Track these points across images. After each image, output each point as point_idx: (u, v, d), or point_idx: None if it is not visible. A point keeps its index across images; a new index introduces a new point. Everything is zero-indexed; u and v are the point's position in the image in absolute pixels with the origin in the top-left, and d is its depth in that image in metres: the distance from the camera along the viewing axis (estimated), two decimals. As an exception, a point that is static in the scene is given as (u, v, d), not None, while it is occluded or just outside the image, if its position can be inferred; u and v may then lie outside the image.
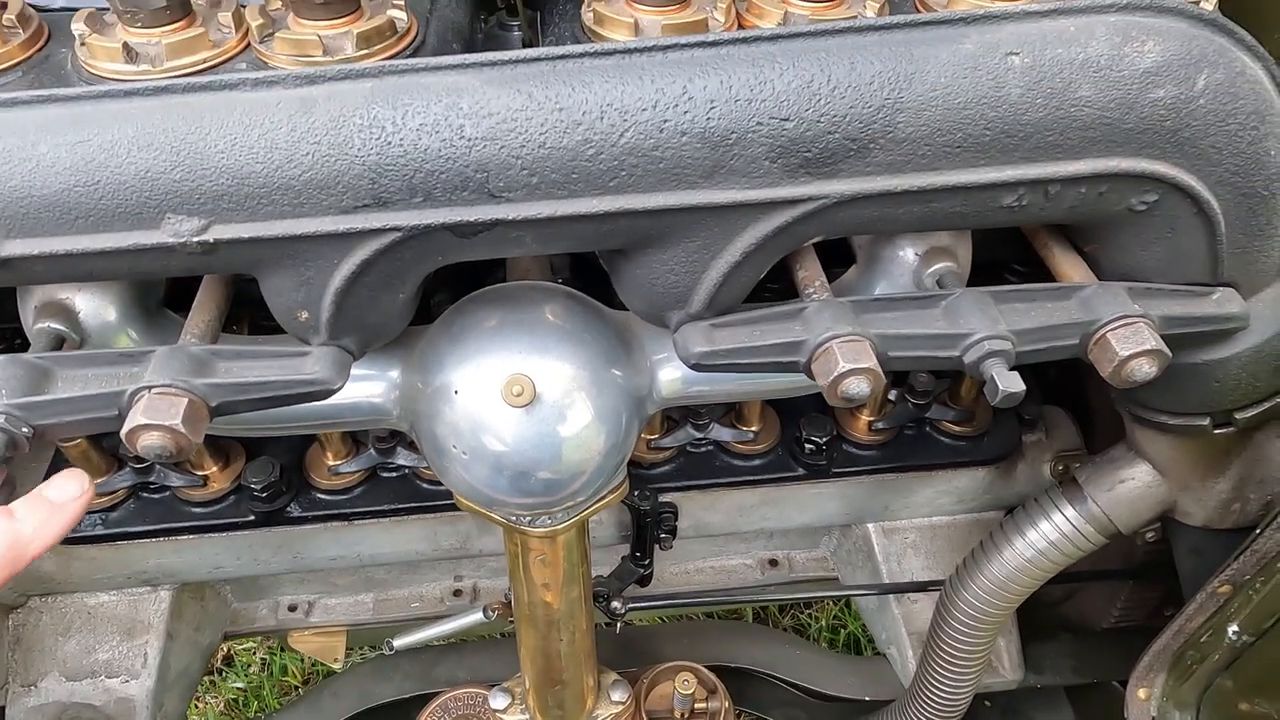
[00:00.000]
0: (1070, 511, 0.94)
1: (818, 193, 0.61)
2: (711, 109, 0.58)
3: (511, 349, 0.73)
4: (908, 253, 0.77)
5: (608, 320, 0.79)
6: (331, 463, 1.17)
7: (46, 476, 1.18)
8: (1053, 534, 0.95)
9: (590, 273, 0.85)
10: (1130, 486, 0.92)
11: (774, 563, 1.49)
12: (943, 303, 0.70)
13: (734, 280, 0.68)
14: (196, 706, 2.32)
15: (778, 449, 1.23)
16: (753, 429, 1.22)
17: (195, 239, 0.58)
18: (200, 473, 1.15)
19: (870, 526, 1.34)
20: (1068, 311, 0.70)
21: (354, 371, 0.77)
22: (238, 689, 2.36)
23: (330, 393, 0.67)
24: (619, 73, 0.58)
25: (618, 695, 1.15)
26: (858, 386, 0.64)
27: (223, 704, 2.36)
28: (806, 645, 1.43)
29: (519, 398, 0.70)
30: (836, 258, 0.83)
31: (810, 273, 0.74)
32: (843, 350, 0.65)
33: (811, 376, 0.68)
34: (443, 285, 1.01)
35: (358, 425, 0.81)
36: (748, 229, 0.63)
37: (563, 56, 0.58)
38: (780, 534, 1.46)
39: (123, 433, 0.61)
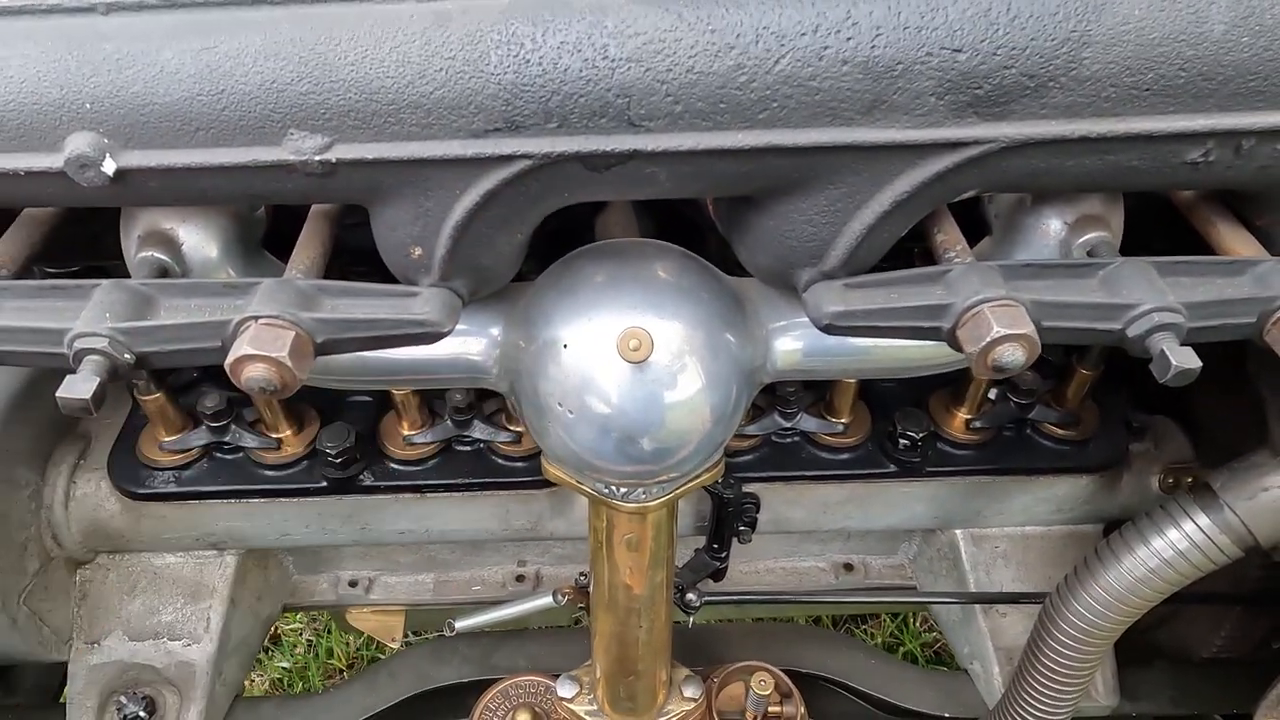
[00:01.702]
0: (1203, 520, 0.87)
1: (985, 135, 0.55)
2: (877, 36, 0.53)
3: (624, 304, 0.68)
4: (1054, 221, 0.71)
5: (723, 283, 0.75)
6: (406, 432, 1.14)
7: (122, 434, 1.18)
8: (1181, 543, 0.88)
9: (680, 241, 0.80)
10: (1275, 495, 0.84)
11: (849, 567, 1.43)
12: (1100, 271, 0.64)
13: (876, 236, 0.62)
14: (259, 695, 2.32)
15: (868, 443, 1.17)
16: (843, 420, 1.16)
17: (317, 158, 0.55)
18: (275, 435, 1.13)
19: (958, 533, 1.27)
20: (1241, 287, 0.64)
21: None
22: (283, 668, 2.35)
23: (439, 336, 0.63)
24: (777, -6, 0.53)
25: (690, 691, 1.09)
26: (1012, 354, 0.59)
27: (268, 683, 2.35)
28: (881, 655, 1.36)
29: (635, 352, 0.65)
30: (965, 229, 0.77)
31: (950, 236, 0.69)
32: (996, 315, 0.59)
33: (957, 345, 0.62)
34: (530, 254, 0.98)
35: (454, 383, 0.77)
36: (901, 175, 0.58)
37: (716, -25, 0.54)
38: (858, 537, 1.39)
39: (227, 363, 0.58)
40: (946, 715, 1.26)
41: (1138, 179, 0.59)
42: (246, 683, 2.31)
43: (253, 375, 0.57)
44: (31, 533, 1.12)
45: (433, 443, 1.14)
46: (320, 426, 1.14)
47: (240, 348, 0.57)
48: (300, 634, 2.42)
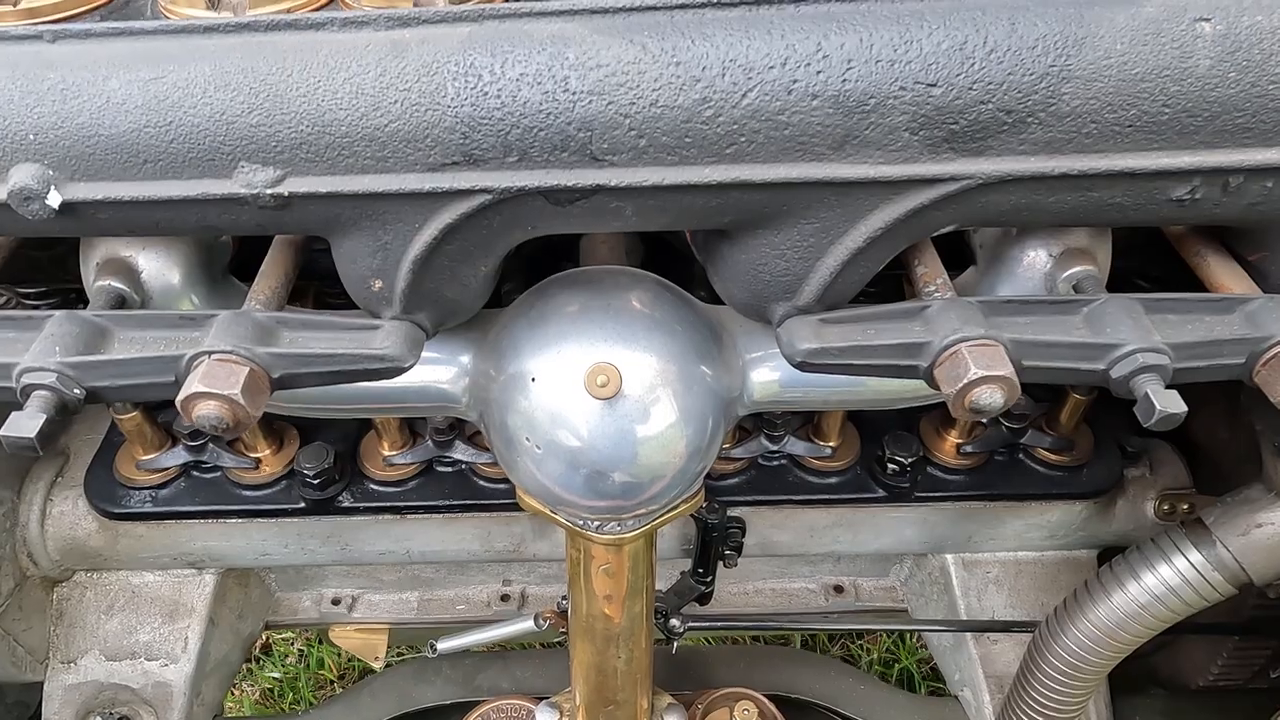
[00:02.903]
0: (1195, 556, 0.84)
1: (961, 172, 0.53)
2: (849, 70, 0.51)
3: (595, 336, 0.67)
4: (1039, 254, 0.69)
5: (699, 313, 0.73)
6: (387, 453, 1.12)
7: (100, 451, 1.16)
8: (1173, 579, 0.86)
9: (666, 266, 0.78)
10: (1269, 532, 0.82)
11: (839, 589, 1.40)
12: (1085, 309, 0.62)
13: (851, 271, 0.60)
14: (232, 694, 2.30)
15: (856, 467, 1.14)
16: (831, 444, 1.14)
17: (269, 191, 0.53)
18: (253, 455, 1.11)
19: (949, 557, 1.24)
20: (1231, 326, 0.61)
21: (423, 355, 0.72)
22: (274, 679, 2.33)
23: (400, 371, 0.61)
24: (745, 26, 0.51)
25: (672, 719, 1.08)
26: (990, 397, 0.56)
27: (258, 693, 2.33)
28: (870, 680, 1.34)
29: (603, 389, 0.63)
30: (948, 258, 0.75)
31: (931, 270, 0.67)
32: (974, 355, 0.57)
33: (934, 384, 0.60)
34: (514, 273, 0.96)
35: (423, 411, 0.76)
36: (875, 211, 0.56)
37: (681, 6, 0.52)
38: (849, 559, 1.37)
39: (178, 400, 0.56)
40: (936, 743, 1.24)
41: (1122, 215, 0.57)
42: (238, 691, 2.30)
43: (204, 413, 0.55)
44: (6, 551, 1.11)
45: (413, 464, 1.12)
46: (300, 446, 1.12)
47: (192, 384, 0.56)
48: (291, 644, 2.40)
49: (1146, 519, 1.18)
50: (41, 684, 1.18)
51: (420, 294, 0.61)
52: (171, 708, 1.17)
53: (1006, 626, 1.16)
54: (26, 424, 0.55)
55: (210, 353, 0.57)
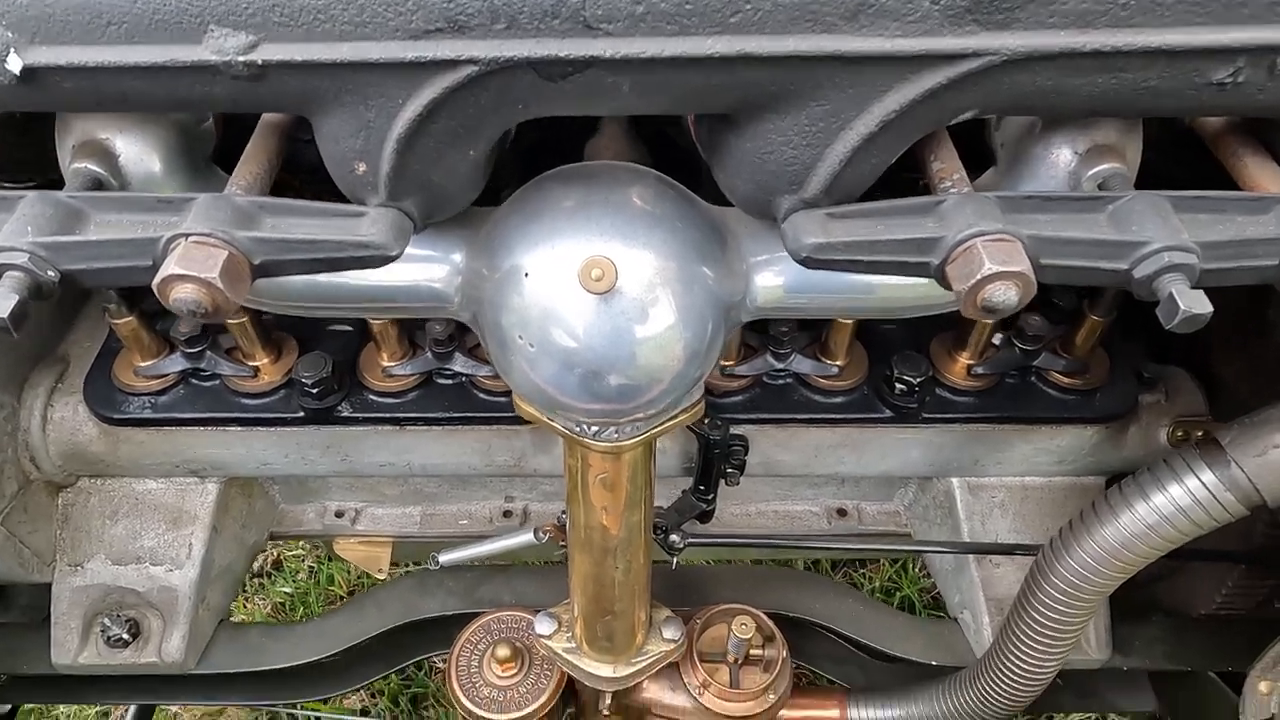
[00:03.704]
0: (1208, 476, 0.82)
1: (985, 47, 0.49)
2: (865, -73, 0.47)
3: (591, 231, 0.64)
4: (1064, 151, 0.65)
5: (702, 212, 0.69)
6: (386, 364, 1.11)
7: (98, 358, 1.16)
8: (1183, 499, 0.83)
9: (669, 172, 0.75)
10: (1286, 453, 0.79)
11: (842, 512, 1.40)
12: (1110, 206, 0.58)
13: (862, 160, 0.57)
14: (245, 607, 2.36)
15: (864, 387, 1.12)
16: (838, 363, 1.11)
17: (241, 58, 0.50)
18: (251, 363, 1.10)
19: (955, 481, 1.23)
20: (1265, 226, 0.58)
21: (413, 252, 0.69)
22: (285, 593, 2.39)
23: (386, 259, 0.59)
24: (753, -123, 0.47)
25: (670, 632, 1.08)
26: (1004, 294, 0.53)
27: (270, 607, 2.39)
28: (871, 601, 1.34)
29: (598, 282, 0.61)
30: (967, 160, 0.71)
31: (947, 165, 0.63)
32: (989, 250, 0.54)
33: (945, 282, 0.57)
34: (512, 179, 0.93)
35: (415, 312, 0.73)
36: (890, 92, 0.52)
37: None
38: (852, 482, 1.36)
39: (154, 283, 0.54)
40: (934, 663, 1.24)
41: (1156, 101, 0.53)
42: (250, 605, 2.35)
43: (181, 296, 0.53)
44: (9, 455, 1.11)
45: (412, 375, 1.10)
46: (299, 356, 1.11)
47: (169, 267, 0.53)
48: (302, 561, 2.45)
49: (1159, 446, 1.16)
50: (50, 586, 1.20)
51: (406, 179, 0.58)
52: (177, 611, 1.19)
53: (1010, 549, 1.15)
54: (-1, 304, 0.53)
55: (188, 235, 0.55)
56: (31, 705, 2.10)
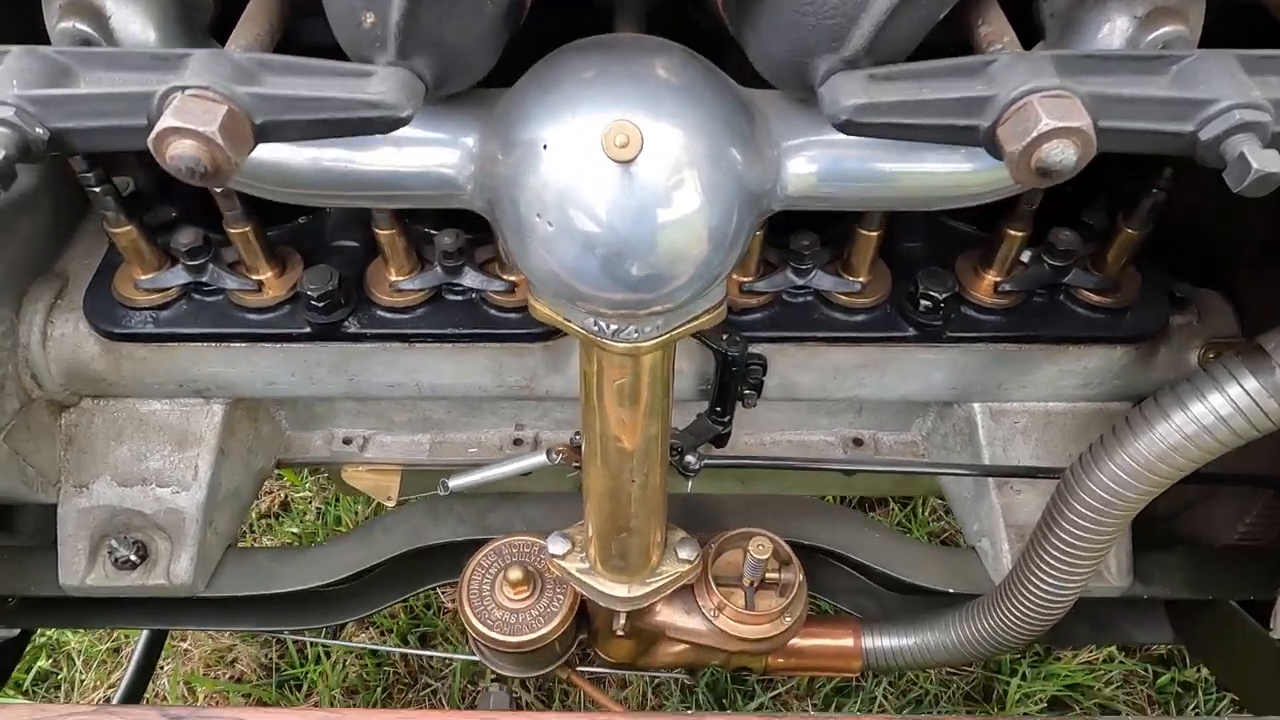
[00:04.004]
0: (1251, 383, 0.79)
1: None
2: None
3: (614, 100, 0.60)
4: (1120, 17, 0.61)
5: (732, 90, 0.65)
6: (394, 278, 1.07)
7: (98, 272, 1.12)
8: (1224, 408, 0.80)
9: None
10: (1335, 357, 0.76)
11: (859, 442, 1.37)
12: (1174, 66, 0.54)
13: (906, 15, 0.53)
14: (252, 547, 2.36)
15: (886, 305, 1.09)
16: (861, 279, 1.08)
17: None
18: (255, 277, 1.07)
19: (976, 406, 1.20)
20: (1340, 89, 0.54)
21: (422, 135, 0.66)
22: (292, 534, 2.38)
23: (397, 121, 0.55)
24: None
25: (685, 553, 1.06)
26: (1062, 153, 0.50)
27: (278, 546, 2.39)
28: (887, 530, 1.32)
29: (622, 149, 0.57)
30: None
31: (996, 28, 0.59)
32: (1046, 106, 0.50)
33: (996, 147, 0.53)
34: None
35: (424, 200, 0.69)
36: (943, -73, 0.48)
37: None
38: (869, 410, 1.33)
39: (150, 139, 0.50)
40: (951, 590, 1.23)
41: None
42: (257, 544, 2.35)
43: (179, 153, 0.50)
44: (9, 371, 1.08)
45: (421, 290, 1.07)
46: (303, 271, 1.07)
47: (165, 120, 0.50)
48: (309, 502, 2.45)
49: (1189, 368, 1.12)
50: (55, 509, 1.18)
51: (418, 34, 0.54)
52: (184, 534, 1.17)
53: (1034, 473, 1.12)
54: (-16, 157, 0.49)
55: (185, 88, 0.51)
56: (42, 635, 2.11)
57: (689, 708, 2.11)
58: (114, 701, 1.86)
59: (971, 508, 1.25)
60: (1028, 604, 1.05)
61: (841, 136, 0.65)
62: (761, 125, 0.67)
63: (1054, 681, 2.14)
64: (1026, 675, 2.14)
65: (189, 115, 0.50)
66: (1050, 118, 0.50)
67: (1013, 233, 1.02)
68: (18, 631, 1.32)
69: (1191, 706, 2.14)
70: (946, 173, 0.66)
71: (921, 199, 0.67)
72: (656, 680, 2.13)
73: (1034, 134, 0.50)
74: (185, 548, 1.17)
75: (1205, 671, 2.17)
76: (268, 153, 0.64)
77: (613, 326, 0.74)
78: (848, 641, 1.27)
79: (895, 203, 0.69)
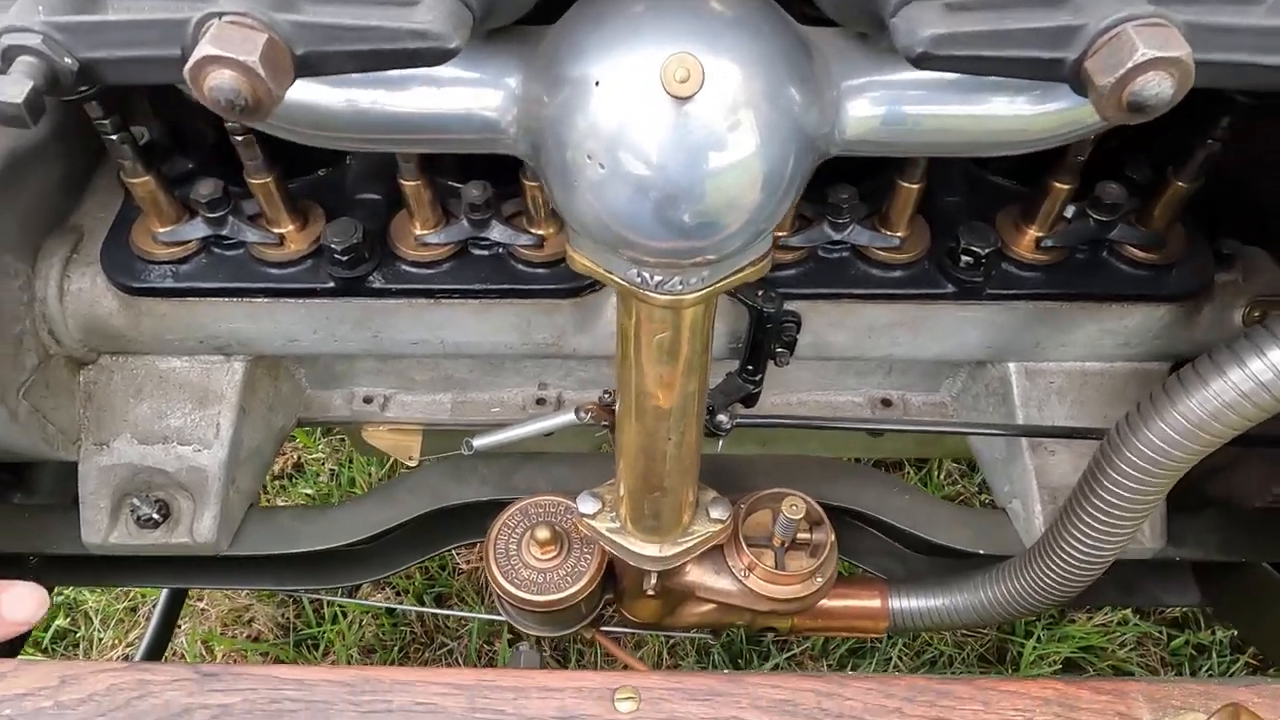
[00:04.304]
0: (1314, 339, 0.76)
1: None
2: None
3: (670, 33, 0.56)
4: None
5: (791, 26, 0.62)
6: (419, 232, 1.05)
7: (115, 225, 1.09)
8: (1284, 365, 0.78)
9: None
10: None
11: (887, 403, 1.35)
12: (1271, -2, 0.51)
13: (989, -63, 0.49)
14: (267, 505, 2.35)
15: (924, 261, 1.06)
16: (899, 235, 1.05)
17: None
18: (276, 230, 1.04)
19: (1011, 366, 1.18)
20: None
21: (462, 74, 0.63)
22: (307, 494, 2.38)
23: (445, 53, 0.52)
24: None
25: (717, 513, 1.04)
26: (1158, 86, 0.47)
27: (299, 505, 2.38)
28: (916, 491, 1.31)
29: (682, 85, 0.54)
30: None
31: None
32: (1142, 35, 0.47)
33: (1082, 82, 0.50)
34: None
35: (465, 145, 0.66)
36: None
37: None
38: (899, 371, 1.31)
39: (186, 70, 0.47)
40: (981, 552, 1.22)
41: None
42: (272, 505, 2.34)
43: (218, 84, 0.47)
44: (26, 326, 1.06)
45: (447, 244, 1.04)
46: (326, 223, 1.04)
47: (202, 49, 0.47)
48: (323, 464, 2.44)
49: (1233, 327, 1.10)
50: (76, 467, 1.17)
51: (466, -42, 0.50)
52: (207, 492, 1.16)
53: (1073, 433, 1.10)
54: (10, 89, 0.46)
55: (222, 14, 0.48)
56: (59, 593, 2.12)
57: (704, 666, 2.13)
58: (135, 660, 1.87)
59: (1003, 469, 1.23)
60: (1063, 565, 1.03)
61: (904, 76, 0.62)
62: (820, 64, 0.63)
63: (1069, 643, 2.15)
64: (1041, 637, 2.14)
65: (227, 43, 0.47)
66: (1148, 47, 0.46)
67: (1059, 185, 0.99)
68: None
69: (1205, 669, 2.15)
70: (1012, 115, 0.63)
71: (986, 143, 0.64)
72: (672, 640, 2.14)
73: (1128, 65, 0.47)
74: (208, 506, 1.16)
75: (1220, 634, 2.18)
76: (301, 93, 0.61)
77: (656, 278, 0.72)
78: (874, 602, 1.26)
79: (957, 148, 0.66)
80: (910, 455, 2.29)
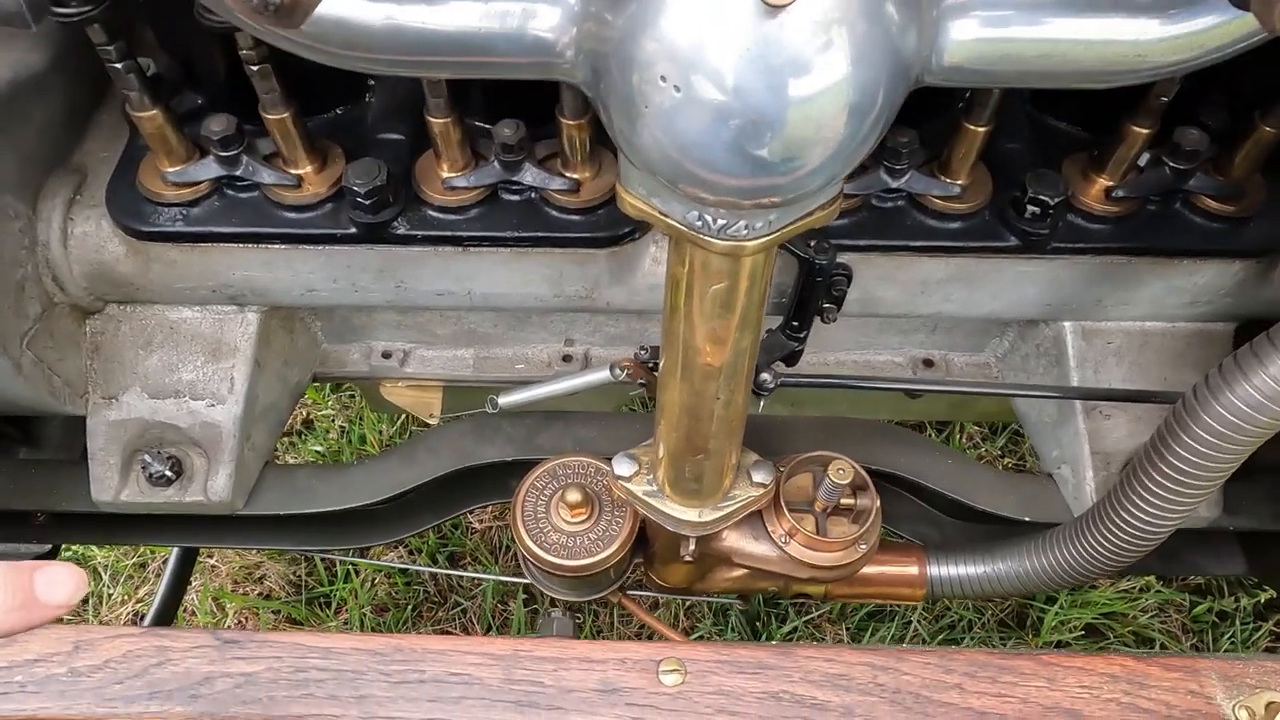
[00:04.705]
0: None
1: None
2: None
3: (754, -60, 0.49)
4: None
5: (881, -66, 0.55)
6: (446, 175, 0.98)
7: (120, 164, 1.03)
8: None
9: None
10: None
11: (929, 363, 1.29)
12: None
13: None
14: (277, 460, 2.31)
15: (985, 212, 0.99)
16: (960, 182, 0.98)
17: None
18: (294, 171, 0.97)
19: (1067, 325, 1.12)
20: None
21: (514, -12, 0.56)
22: (316, 451, 2.34)
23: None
24: None
25: (760, 476, 0.99)
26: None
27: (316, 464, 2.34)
28: (959, 455, 1.26)
29: (777, -6, 0.47)
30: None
31: None
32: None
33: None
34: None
35: (513, 69, 0.60)
36: None
37: None
38: (943, 330, 1.25)
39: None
40: (1027, 519, 1.17)
41: None
42: (281, 461, 2.30)
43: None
44: (28, 272, 1.00)
45: (476, 188, 0.98)
46: (346, 165, 0.98)
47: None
48: (333, 420, 2.39)
49: (1308, 286, 1.03)
50: (84, 422, 1.11)
51: None
52: (222, 449, 1.11)
53: (1135, 396, 1.05)
54: (9, -18, 0.40)
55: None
56: (68, 549, 2.09)
57: (721, 630, 2.10)
58: (147, 619, 1.84)
59: (1052, 433, 1.18)
60: (1122, 534, 0.98)
61: (1015, -4, 0.55)
62: (915, -20, 0.56)
63: (1091, 609, 2.12)
64: (1064, 604, 2.12)
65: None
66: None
67: (1137, 129, 0.92)
68: (49, 547, 1.27)
69: (1227, 636, 2.13)
70: (1132, 38, 0.56)
71: (1103, 70, 0.58)
72: (689, 602, 2.11)
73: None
74: (223, 464, 1.10)
75: (1245, 601, 2.15)
76: (334, 7, 0.54)
77: (719, 221, 0.65)
78: (912, 569, 1.22)
79: (1069, 77, 0.59)
80: (940, 418, 2.24)
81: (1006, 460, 2.36)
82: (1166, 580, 2.18)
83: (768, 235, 0.66)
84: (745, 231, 0.66)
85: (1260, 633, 2.12)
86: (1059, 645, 2.10)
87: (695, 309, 0.75)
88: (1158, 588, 2.17)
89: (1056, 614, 2.10)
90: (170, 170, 0.97)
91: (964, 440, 2.38)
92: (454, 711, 0.78)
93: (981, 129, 0.92)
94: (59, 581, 0.67)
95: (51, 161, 1.03)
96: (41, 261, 1.01)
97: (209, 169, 0.96)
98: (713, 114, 0.52)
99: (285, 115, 0.91)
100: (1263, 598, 2.15)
